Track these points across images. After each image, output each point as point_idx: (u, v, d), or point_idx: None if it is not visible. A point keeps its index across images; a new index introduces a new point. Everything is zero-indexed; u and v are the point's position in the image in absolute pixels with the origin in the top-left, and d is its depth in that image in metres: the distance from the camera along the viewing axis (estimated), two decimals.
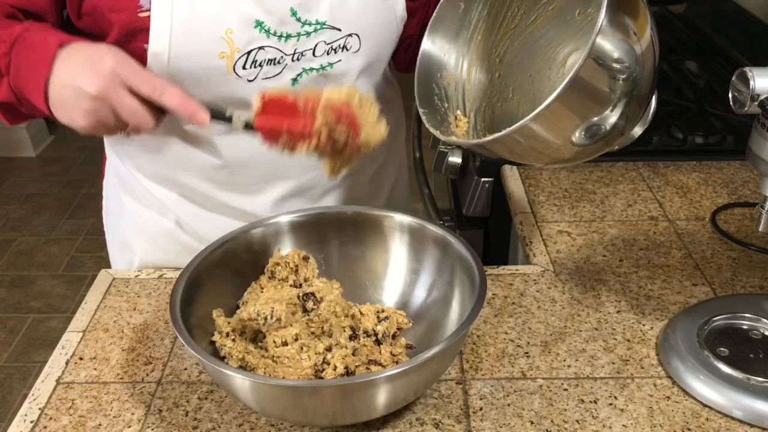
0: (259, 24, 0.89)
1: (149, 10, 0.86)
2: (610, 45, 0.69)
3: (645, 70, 0.73)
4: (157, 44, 0.88)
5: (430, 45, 0.86)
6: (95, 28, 0.91)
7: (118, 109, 0.80)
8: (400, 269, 0.90)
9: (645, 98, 0.76)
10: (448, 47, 0.88)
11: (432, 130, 0.82)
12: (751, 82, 0.77)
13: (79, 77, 0.79)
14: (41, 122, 3.64)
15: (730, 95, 0.81)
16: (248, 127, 0.82)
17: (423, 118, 0.83)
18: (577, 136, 0.73)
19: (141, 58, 0.88)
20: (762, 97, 0.78)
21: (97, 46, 0.83)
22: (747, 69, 0.78)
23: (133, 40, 0.89)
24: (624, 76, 0.71)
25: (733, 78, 0.80)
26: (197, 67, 0.89)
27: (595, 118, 0.73)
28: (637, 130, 0.81)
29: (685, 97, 1.44)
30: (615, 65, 0.70)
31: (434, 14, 0.86)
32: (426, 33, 0.87)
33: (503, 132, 0.71)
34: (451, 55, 0.88)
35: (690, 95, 1.45)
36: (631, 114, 0.75)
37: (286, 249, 0.90)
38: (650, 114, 0.81)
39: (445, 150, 1.36)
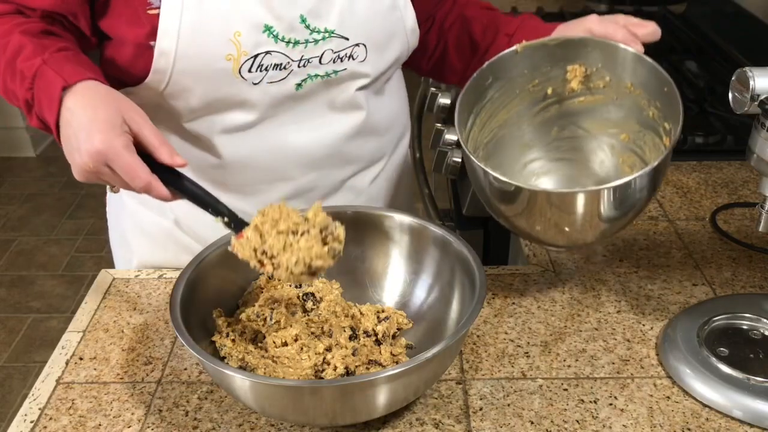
0: (267, 29, 0.89)
1: (158, 7, 0.87)
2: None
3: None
4: (164, 42, 0.88)
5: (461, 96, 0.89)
6: (108, 26, 0.92)
7: (105, 180, 0.79)
8: (400, 269, 0.90)
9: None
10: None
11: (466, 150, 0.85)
12: (751, 82, 0.78)
13: (69, 146, 0.79)
14: None
15: (730, 95, 0.81)
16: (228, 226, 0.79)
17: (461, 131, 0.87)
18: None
19: (147, 56, 0.89)
20: (762, 97, 0.78)
21: (91, 104, 0.79)
22: (747, 69, 0.79)
23: (140, 37, 0.89)
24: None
25: (733, 78, 0.80)
26: (203, 67, 0.90)
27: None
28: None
29: (685, 97, 1.44)
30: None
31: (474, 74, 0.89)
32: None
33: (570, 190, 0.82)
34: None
35: (690, 95, 1.44)
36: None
37: None
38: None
39: (445, 150, 1.36)
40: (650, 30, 0.88)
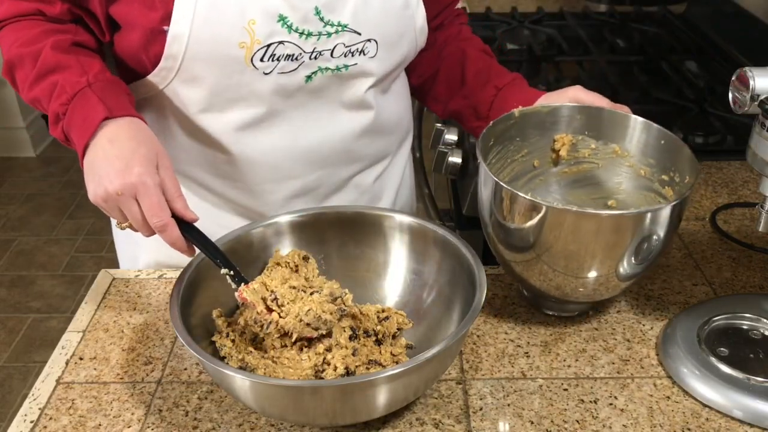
0: (282, 19, 0.90)
1: None
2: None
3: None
4: (177, 27, 0.89)
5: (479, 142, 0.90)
6: (120, 11, 0.93)
7: (124, 211, 0.84)
8: (400, 269, 0.90)
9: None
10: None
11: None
12: (751, 82, 0.77)
13: (99, 170, 0.83)
14: (41, 122, 3.64)
15: (730, 95, 0.81)
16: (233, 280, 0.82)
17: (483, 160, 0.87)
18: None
19: (159, 42, 0.90)
20: (762, 97, 0.78)
21: (136, 138, 0.85)
22: (747, 69, 0.78)
23: (153, 22, 0.90)
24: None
25: (733, 78, 0.80)
26: (215, 54, 0.90)
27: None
28: None
29: (685, 97, 1.44)
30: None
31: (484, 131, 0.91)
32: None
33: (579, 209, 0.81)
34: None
35: (690, 95, 1.44)
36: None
37: (286, 249, 0.90)
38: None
39: (445, 150, 1.36)
40: (626, 110, 0.95)
